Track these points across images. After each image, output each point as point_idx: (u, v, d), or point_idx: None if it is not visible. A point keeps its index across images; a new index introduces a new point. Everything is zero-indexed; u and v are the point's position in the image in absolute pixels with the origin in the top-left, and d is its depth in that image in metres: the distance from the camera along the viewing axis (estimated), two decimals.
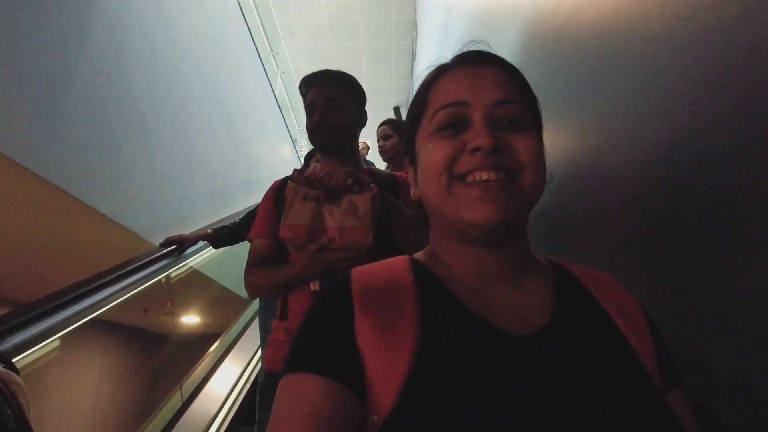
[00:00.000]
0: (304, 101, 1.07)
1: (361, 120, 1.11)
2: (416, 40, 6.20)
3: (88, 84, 1.82)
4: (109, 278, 1.54)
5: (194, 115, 2.97)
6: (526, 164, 0.39)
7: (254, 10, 5.19)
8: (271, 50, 5.82)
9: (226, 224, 1.81)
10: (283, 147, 6.11)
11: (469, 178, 0.39)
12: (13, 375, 0.61)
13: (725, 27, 0.54)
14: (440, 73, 0.46)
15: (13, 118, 1.41)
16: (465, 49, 0.47)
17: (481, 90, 0.42)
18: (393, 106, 8.14)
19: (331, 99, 1.03)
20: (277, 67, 6.13)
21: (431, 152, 0.42)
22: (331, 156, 1.08)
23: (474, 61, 0.44)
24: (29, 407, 0.59)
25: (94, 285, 1.45)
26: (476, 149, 0.39)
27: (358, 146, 1.15)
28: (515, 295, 0.42)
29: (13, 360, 0.89)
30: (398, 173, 1.15)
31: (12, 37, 1.43)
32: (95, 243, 2.25)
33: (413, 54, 6.66)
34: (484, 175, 0.39)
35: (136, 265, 1.81)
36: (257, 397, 0.97)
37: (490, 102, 0.41)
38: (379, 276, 0.42)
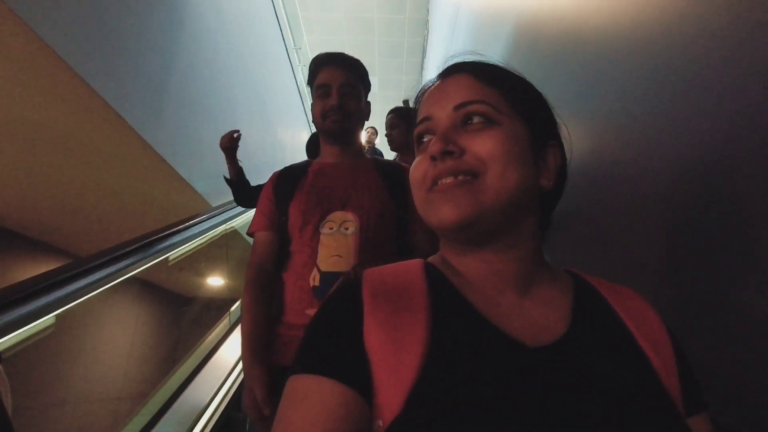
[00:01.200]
0: (312, 80, 1.04)
1: (368, 109, 1.10)
2: (427, 38, 6.66)
3: (176, 82, 2.41)
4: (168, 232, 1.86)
5: (240, 104, 3.57)
6: (486, 161, 0.39)
7: (282, 6, 5.72)
8: (294, 45, 6.35)
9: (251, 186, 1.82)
10: (302, 133, 6.69)
11: (436, 188, 0.41)
12: None
13: None
14: (424, 91, 0.48)
15: (133, 104, 1.99)
16: (446, 65, 0.48)
17: (443, 101, 0.43)
18: (402, 100, 8.59)
19: (347, 84, 1.01)
20: (299, 60, 6.66)
21: (412, 170, 0.44)
22: (336, 143, 1.05)
23: (444, 75, 0.46)
24: (8, 393, 0.55)
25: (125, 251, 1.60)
26: (433, 158, 0.41)
27: (359, 136, 1.14)
28: (528, 303, 0.41)
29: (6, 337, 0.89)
30: (404, 164, 1.11)
31: (134, 51, 2.01)
32: (161, 201, 2.84)
33: (424, 51, 7.12)
34: (445, 181, 0.40)
35: (203, 217, 2.35)
36: None
37: (449, 110, 0.43)
38: (391, 277, 0.42)
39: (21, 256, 3.21)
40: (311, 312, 0.89)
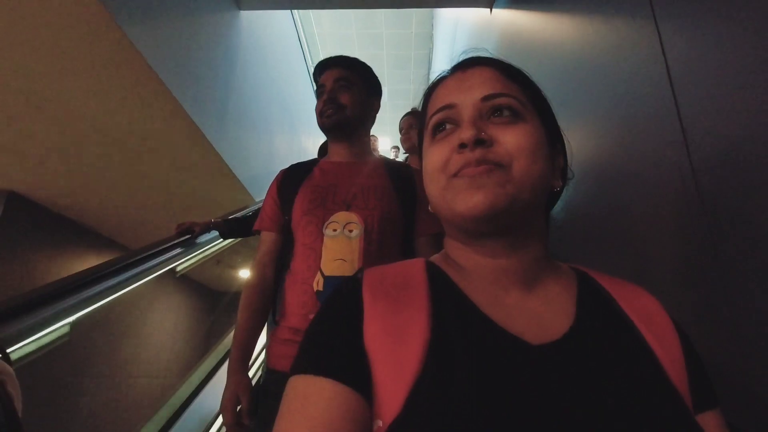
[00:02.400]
0: (317, 86, 1.05)
1: (373, 108, 1.07)
2: (432, 50, 7.24)
3: (233, 101, 3.03)
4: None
5: (274, 118, 4.22)
6: (513, 154, 0.39)
7: (301, 25, 6.38)
8: (312, 61, 7.00)
9: (237, 216, 1.93)
10: (323, 140, 7.31)
11: (461, 174, 0.40)
12: (3, 363, 0.56)
13: None
14: (437, 83, 0.48)
15: (206, 116, 2.59)
16: (460, 59, 0.49)
17: (468, 90, 0.43)
18: (412, 107, 9.14)
19: (341, 79, 1.01)
20: None
21: (429, 157, 0.44)
22: (337, 140, 1.04)
23: (463, 67, 0.47)
24: (19, 398, 0.54)
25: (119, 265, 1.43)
26: (462, 145, 0.40)
27: (367, 136, 1.11)
28: (532, 300, 0.41)
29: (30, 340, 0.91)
30: (418, 173, 1.04)
31: (206, 78, 2.61)
32: (220, 198, 3.43)
33: (429, 62, 7.70)
34: (472, 172, 0.39)
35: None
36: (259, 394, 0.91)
37: (476, 99, 0.42)
38: (391, 277, 0.42)
39: (91, 251, 3.85)
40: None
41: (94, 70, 1.92)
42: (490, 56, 0.47)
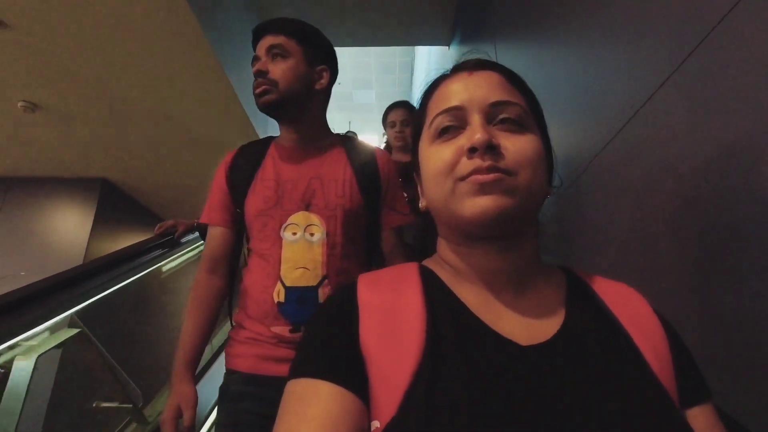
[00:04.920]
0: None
1: (321, 80, 0.93)
2: (414, 59, 8.32)
3: None
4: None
5: None
6: (521, 163, 0.40)
7: None
8: (339, 83, 7.94)
9: None
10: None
11: (469, 180, 0.40)
12: None
13: None
14: (438, 82, 0.48)
15: (256, 116, 3.61)
16: (463, 59, 0.48)
17: (477, 93, 0.43)
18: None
19: (275, 47, 0.88)
20: None
21: (432, 158, 0.43)
22: (281, 123, 0.95)
23: (470, 68, 0.46)
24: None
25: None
26: (473, 149, 0.40)
27: (321, 114, 0.97)
28: (523, 302, 0.42)
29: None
30: (378, 149, 0.98)
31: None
32: None
33: (412, 68, 8.77)
34: (482, 179, 0.39)
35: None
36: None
37: (485, 104, 0.42)
38: (386, 281, 0.43)
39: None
40: (277, 330, 0.83)
41: (184, 80, 2.74)
42: (494, 61, 0.47)
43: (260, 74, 0.88)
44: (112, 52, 2.43)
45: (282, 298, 0.84)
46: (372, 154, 0.97)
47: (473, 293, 0.43)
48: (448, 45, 3.79)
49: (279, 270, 0.86)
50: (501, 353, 0.37)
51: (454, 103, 0.44)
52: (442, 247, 0.48)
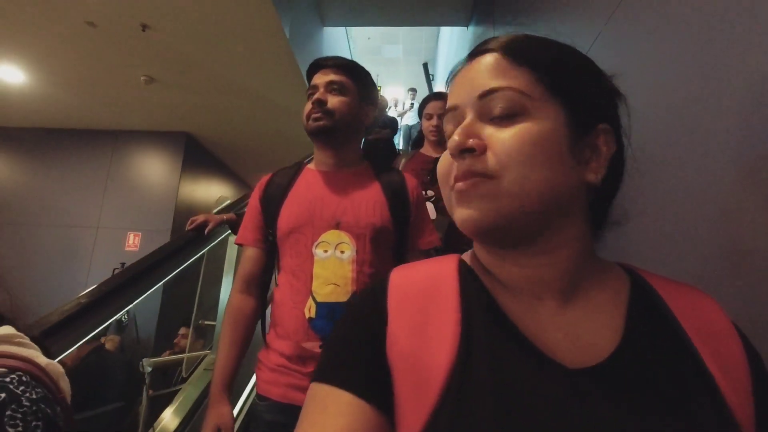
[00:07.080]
0: (309, 86, 1.01)
1: (366, 118, 1.04)
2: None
3: None
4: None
5: None
6: (505, 163, 0.35)
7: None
8: (369, 38, 8.38)
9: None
10: None
11: (453, 187, 0.38)
12: (55, 364, 0.55)
13: None
14: (451, 77, 0.44)
15: None
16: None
17: (468, 88, 0.39)
18: (422, 63, 10.06)
19: (335, 83, 0.98)
20: None
21: (439, 165, 0.41)
22: (323, 146, 1.02)
23: (470, 56, 0.42)
24: (70, 393, 0.55)
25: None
26: (452, 155, 0.38)
27: (357, 145, 1.09)
28: (572, 312, 0.37)
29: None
30: (407, 175, 1.05)
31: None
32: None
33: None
34: (460, 186, 0.37)
35: None
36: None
37: (473, 98, 0.38)
38: (420, 281, 0.40)
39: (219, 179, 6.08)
40: (308, 345, 0.88)
41: (258, 60, 3.74)
42: (506, 35, 0.40)
43: (319, 104, 0.97)
44: (207, 41, 3.40)
45: (313, 314, 0.89)
46: (402, 180, 1.04)
47: (514, 299, 0.38)
48: (467, 26, 4.34)
49: (310, 286, 0.91)
50: (541, 378, 0.33)
51: (451, 102, 0.41)
52: (476, 248, 0.43)
